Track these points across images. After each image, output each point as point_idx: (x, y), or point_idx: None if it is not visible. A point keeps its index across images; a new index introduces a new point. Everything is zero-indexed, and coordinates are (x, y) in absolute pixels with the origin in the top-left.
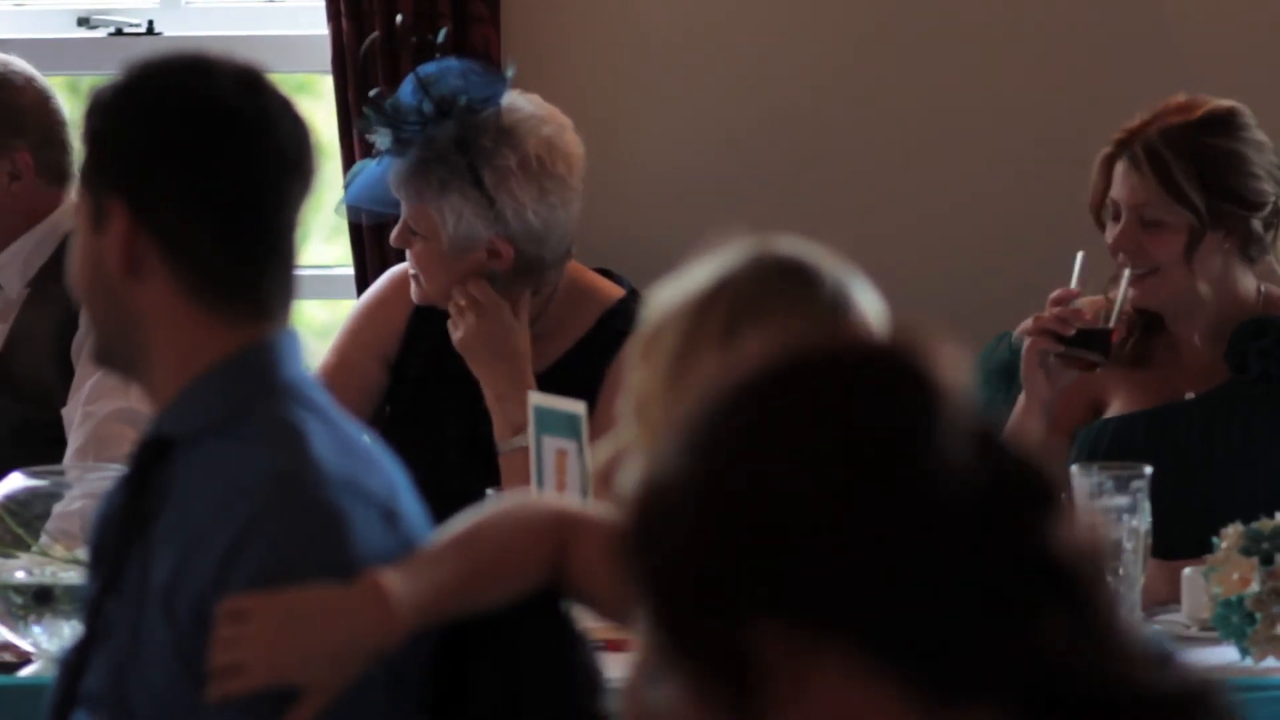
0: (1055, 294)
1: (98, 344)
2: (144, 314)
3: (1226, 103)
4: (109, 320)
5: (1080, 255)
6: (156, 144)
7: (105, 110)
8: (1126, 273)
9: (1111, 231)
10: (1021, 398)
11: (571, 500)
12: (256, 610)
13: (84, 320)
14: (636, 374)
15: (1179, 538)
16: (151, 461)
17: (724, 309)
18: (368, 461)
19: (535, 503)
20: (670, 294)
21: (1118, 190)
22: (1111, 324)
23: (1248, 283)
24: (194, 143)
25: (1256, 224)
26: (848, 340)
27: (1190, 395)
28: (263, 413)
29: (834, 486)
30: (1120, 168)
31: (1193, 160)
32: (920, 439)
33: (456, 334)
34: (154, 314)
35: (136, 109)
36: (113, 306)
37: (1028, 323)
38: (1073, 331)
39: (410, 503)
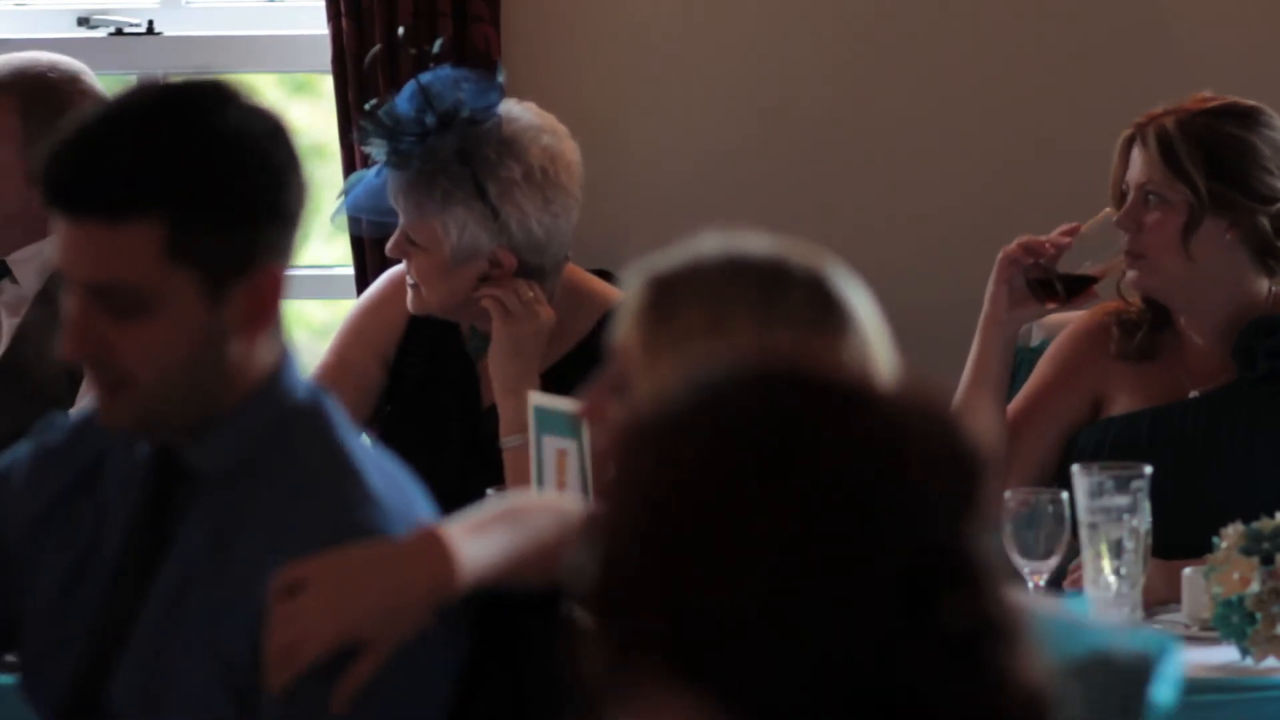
0: (1063, 227)
1: (179, 418)
2: (236, 369)
3: (1252, 101)
4: (196, 391)
5: (1107, 211)
6: (292, 200)
7: (225, 180)
8: (1106, 211)
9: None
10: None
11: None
12: (312, 575)
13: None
14: (663, 377)
15: (1181, 536)
16: (168, 490)
17: (786, 334)
18: (408, 488)
19: (568, 501)
20: (671, 285)
21: (1130, 172)
22: (1087, 270)
23: (1260, 284)
24: (284, 183)
25: (1263, 221)
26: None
27: (1195, 393)
28: (307, 442)
29: (791, 613)
30: (1135, 150)
31: (1199, 142)
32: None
33: (512, 324)
34: (242, 364)
35: (246, 169)
36: (209, 374)
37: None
38: (1045, 259)
39: (436, 519)
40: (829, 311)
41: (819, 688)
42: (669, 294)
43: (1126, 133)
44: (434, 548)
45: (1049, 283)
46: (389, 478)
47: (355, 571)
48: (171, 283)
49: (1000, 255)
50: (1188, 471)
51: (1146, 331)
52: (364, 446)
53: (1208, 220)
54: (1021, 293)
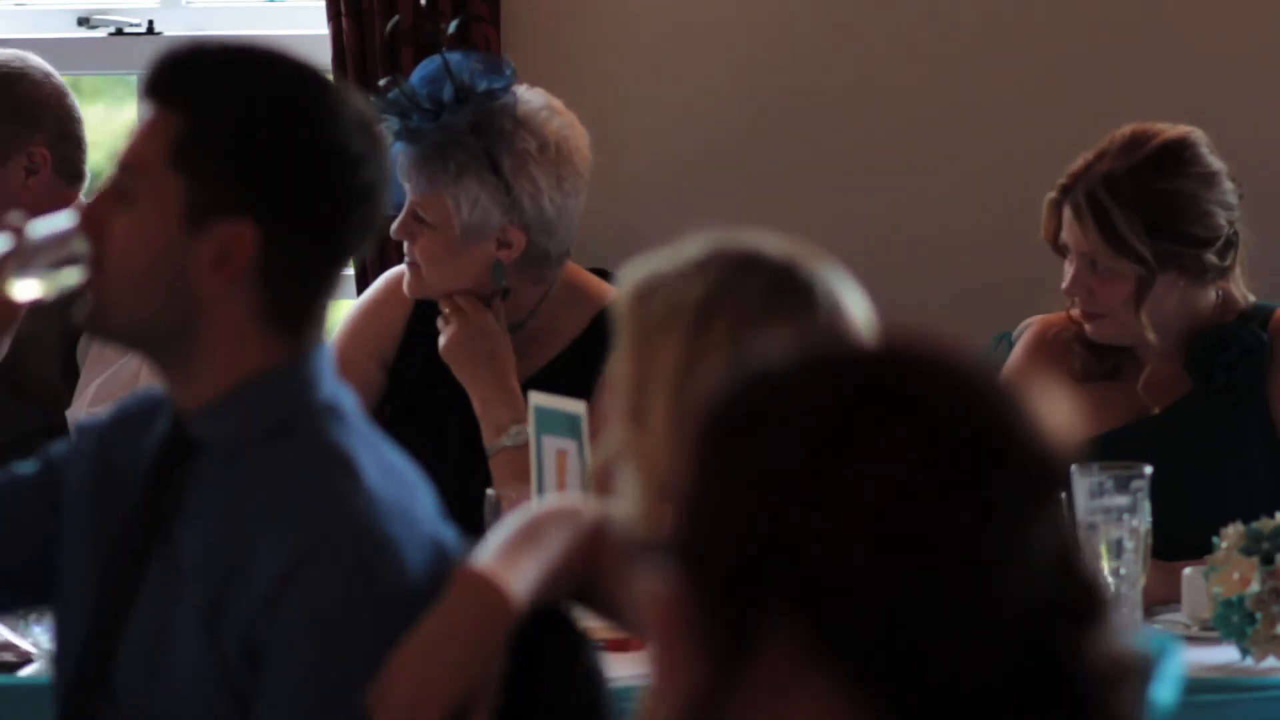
0: None
1: (126, 321)
2: (209, 316)
3: (1176, 132)
4: (159, 307)
5: None
6: (301, 171)
7: (251, 125)
8: None
9: (1066, 271)
10: None
11: (610, 505)
12: (395, 673)
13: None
14: (627, 371)
15: (1156, 550)
16: (175, 462)
17: (726, 322)
18: (412, 485)
19: (578, 506)
20: (649, 284)
21: (1066, 235)
22: None
23: (1206, 297)
24: (333, 177)
25: (1210, 257)
26: (994, 389)
27: (1156, 410)
28: (310, 435)
29: (909, 539)
30: (1066, 214)
31: (1137, 208)
32: (1008, 535)
33: (440, 342)
34: (220, 319)
35: (284, 133)
36: (172, 298)
37: None
38: None
39: (442, 521)
40: (796, 300)
41: (961, 668)
42: (644, 293)
43: (1051, 195)
44: (479, 586)
45: None
46: (393, 475)
47: (431, 651)
48: (162, 180)
49: None
50: (1158, 486)
51: (1104, 354)
52: (375, 445)
53: (1159, 279)
54: None
